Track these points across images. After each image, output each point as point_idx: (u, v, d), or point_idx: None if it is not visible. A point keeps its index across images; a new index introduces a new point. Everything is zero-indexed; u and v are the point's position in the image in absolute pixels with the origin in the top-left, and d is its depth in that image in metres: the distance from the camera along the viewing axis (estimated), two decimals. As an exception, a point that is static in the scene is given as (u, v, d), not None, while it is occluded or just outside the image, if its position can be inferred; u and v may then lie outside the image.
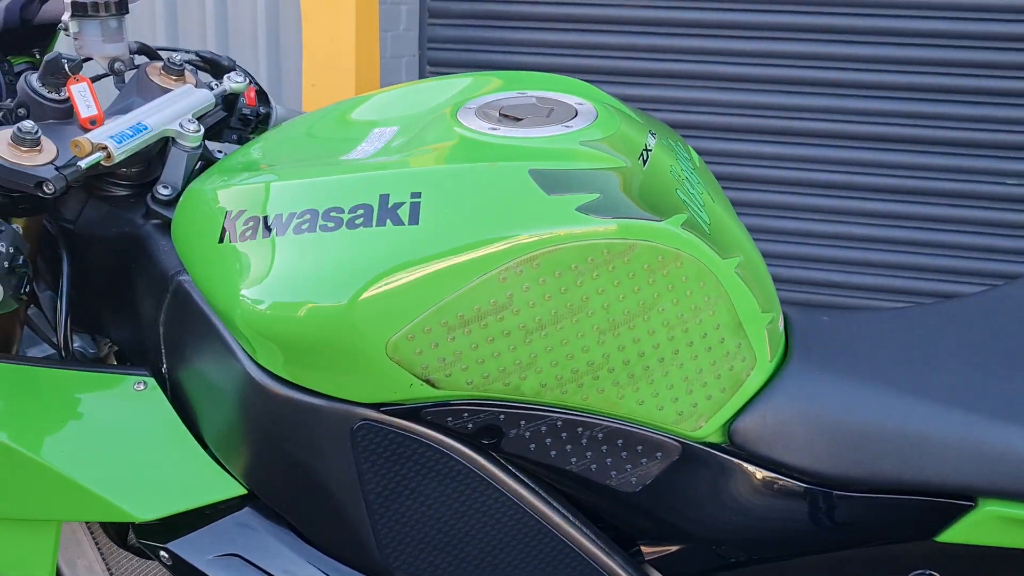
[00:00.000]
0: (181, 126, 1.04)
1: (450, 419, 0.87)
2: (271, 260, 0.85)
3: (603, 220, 0.83)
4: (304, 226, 0.84)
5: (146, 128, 0.98)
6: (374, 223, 0.83)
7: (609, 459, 0.90)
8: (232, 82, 1.19)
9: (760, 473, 0.92)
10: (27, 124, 0.92)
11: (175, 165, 1.02)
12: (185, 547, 0.93)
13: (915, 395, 0.91)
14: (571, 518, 0.93)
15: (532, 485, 0.92)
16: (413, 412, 0.87)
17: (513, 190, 0.84)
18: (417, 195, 0.83)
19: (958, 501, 0.90)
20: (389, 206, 0.83)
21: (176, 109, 1.04)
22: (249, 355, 0.89)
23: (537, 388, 0.85)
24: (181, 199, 0.99)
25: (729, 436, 0.91)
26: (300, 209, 0.86)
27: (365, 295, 0.81)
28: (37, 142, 0.92)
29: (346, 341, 0.82)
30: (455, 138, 0.92)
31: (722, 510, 0.93)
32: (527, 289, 0.82)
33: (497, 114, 0.96)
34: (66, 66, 0.99)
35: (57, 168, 0.92)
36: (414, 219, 0.82)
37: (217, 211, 0.91)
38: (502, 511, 0.91)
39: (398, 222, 0.82)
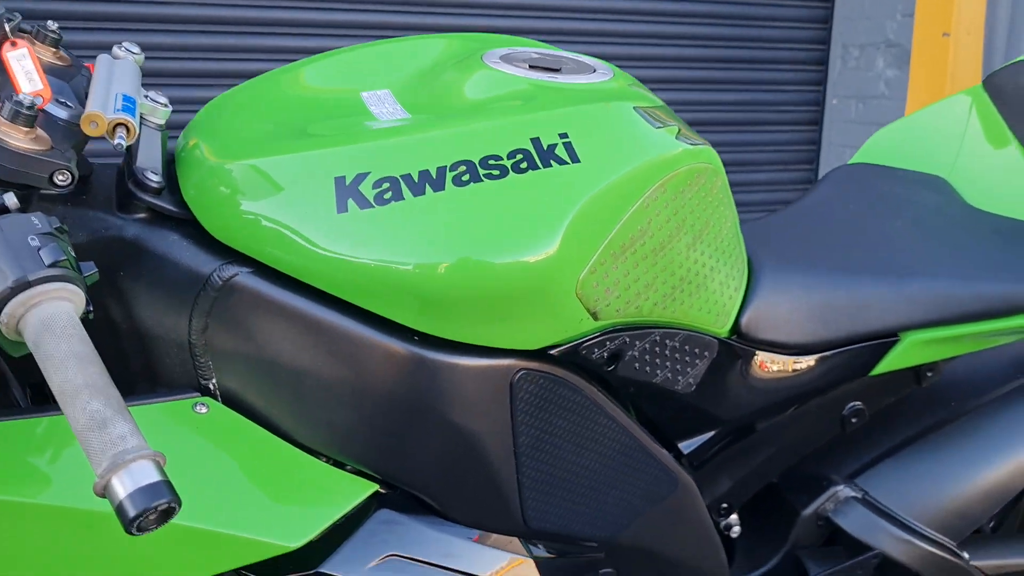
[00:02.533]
0: (150, 99, 0.87)
1: (596, 351, 0.91)
2: (439, 218, 0.80)
3: (695, 144, 0.93)
4: (464, 178, 0.81)
5: (134, 101, 0.80)
6: (540, 165, 0.83)
7: (679, 365, 0.99)
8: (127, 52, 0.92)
9: (760, 354, 1.08)
10: (25, 97, 0.73)
11: (150, 146, 0.86)
12: (340, 565, 0.85)
13: (852, 267, 1.14)
14: (645, 433, 1.01)
15: (628, 409, 1.03)
16: (569, 352, 0.90)
17: (632, 124, 0.89)
18: (565, 135, 0.85)
19: (887, 339, 1.13)
20: (545, 148, 0.83)
21: (122, 83, 0.83)
22: (387, 329, 0.82)
23: (651, 307, 0.92)
24: (197, 180, 0.85)
25: (737, 328, 1.04)
26: (450, 162, 0.81)
27: (563, 234, 0.81)
28: (35, 118, 0.73)
29: (544, 284, 0.82)
30: (527, 84, 0.92)
31: (740, 391, 1.08)
32: (659, 213, 0.88)
33: (527, 66, 0.96)
34: (5, 25, 0.82)
35: (64, 152, 0.74)
36: (574, 157, 0.84)
37: (307, 180, 0.80)
38: (616, 444, 0.97)
39: (562, 162, 0.84)
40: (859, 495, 1.27)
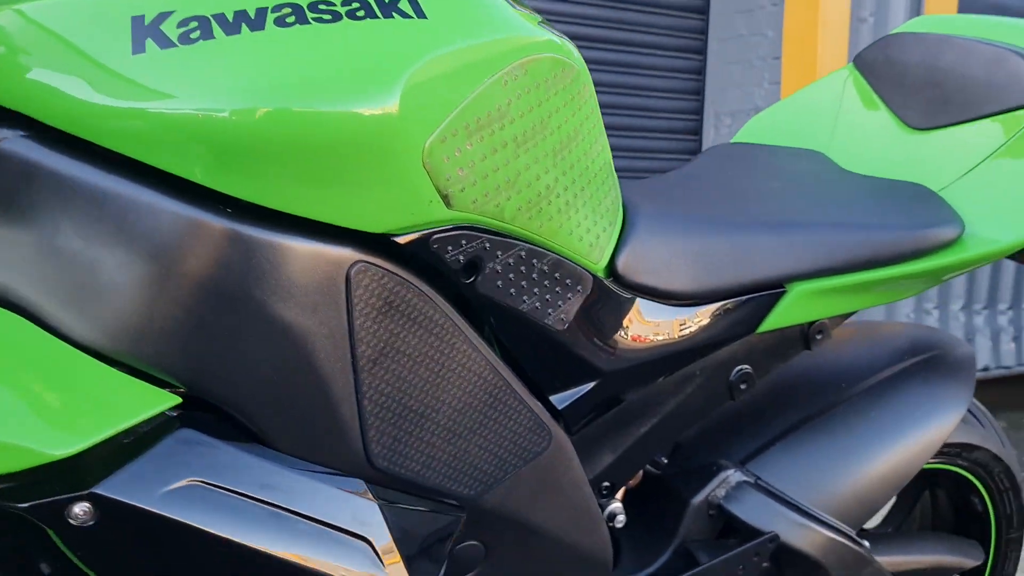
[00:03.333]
0: None
1: (450, 250, 0.78)
2: (256, 59, 0.68)
3: (558, 36, 0.84)
4: (289, 19, 0.70)
5: None
6: (379, 14, 0.72)
7: (549, 295, 0.88)
8: None
9: (639, 301, 0.98)
10: None
11: None
12: (124, 487, 0.67)
13: (733, 217, 1.08)
14: (513, 374, 0.89)
15: (493, 346, 0.89)
16: (418, 244, 0.77)
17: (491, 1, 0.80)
18: None
19: (773, 291, 1.06)
20: (387, 0, 0.74)
21: None
22: (191, 196, 0.69)
23: (514, 212, 0.81)
24: None
25: (613, 269, 0.95)
26: (273, 3, 0.70)
27: (403, 88, 0.70)
28: None
29: (382, 141, 0.70)
30: None
31: (617, 339, 0.97)
32: (519, 97, 0.79)
33: None
34: None
35: None
36: (420, 13, 0.74)
37: (96, 23, 0.67)
38: (477, 378, 0.85)
39: (405, 15, 0.73)
40: (751, 480, 1.17)
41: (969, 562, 1.41)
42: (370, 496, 0.77)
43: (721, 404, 1.12)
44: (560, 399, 0.96)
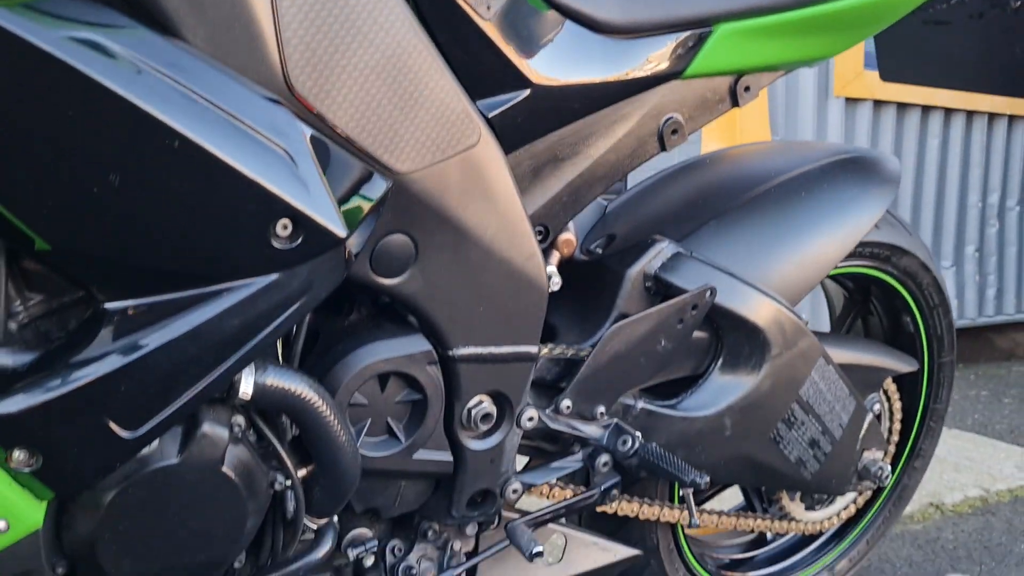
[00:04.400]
0: None
1: None
2: None
3: None
4: None
5: None
6: None
7: None
8: None
9: (567, 23, 0.98)
10: None
11: None
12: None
13: None
14: (442, 60, 0.86)
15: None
16: None
17: None
18: None
19: (701, 29, 1.05)
20: None
21: None
22: None
23: None
24: None
25: None
26: None
27: None
28: None
29: None
30: None
31: (547, 52, 0.96)
32: None
33: None
34: None
35: None
36: None
37: None
38: (396, 31, 0.81)
39: None
40: (687, 253, 1.15)
41: (904, 367, 1.41)
42: (293, 115, 0.73)
43: (652, 154, 1.10)
44: (489, 105, 0.94)
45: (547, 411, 1.05)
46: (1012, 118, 3.60)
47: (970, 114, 3.49)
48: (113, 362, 0.70)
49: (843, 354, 1.32)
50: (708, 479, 1.07)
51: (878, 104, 3.25)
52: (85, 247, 0.70)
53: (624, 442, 1.08)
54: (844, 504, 1.46)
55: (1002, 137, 3.59)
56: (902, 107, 3.31)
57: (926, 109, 3.36)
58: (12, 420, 0.68)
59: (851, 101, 3.17)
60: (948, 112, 3.42)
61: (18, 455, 0.69)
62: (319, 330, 0.96)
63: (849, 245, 1.25)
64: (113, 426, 0.70)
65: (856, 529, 1.53)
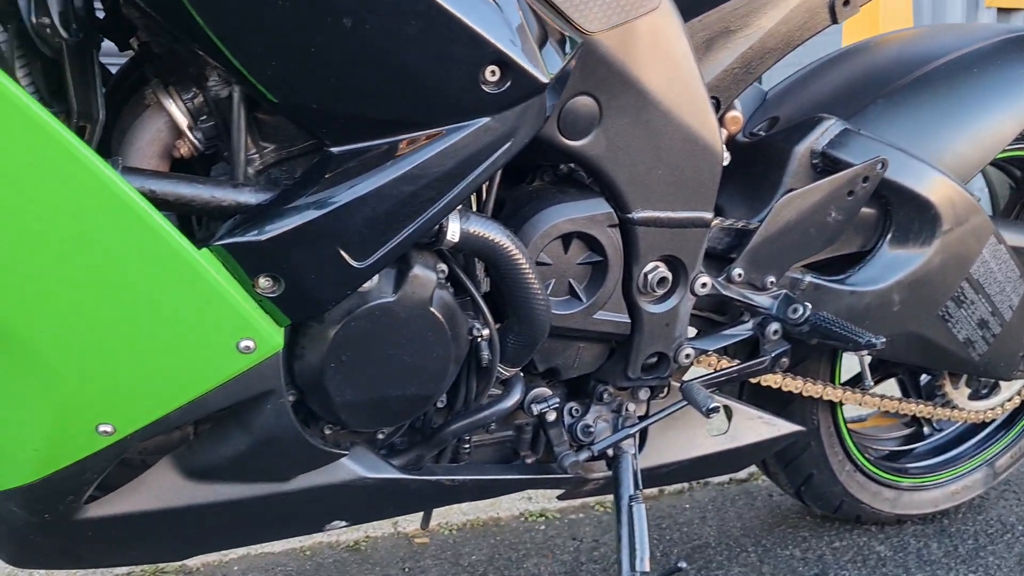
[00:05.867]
0: None
1: None
2: None
3: None
4: None
5: None
6: None
7: None
8: None
9: None
10: None
11: None
12: None
13: None
14: None
15: None
16: None
17: None
18: None
19: None
20: None
21: None
22: None
23: None
24: None
25: None
26: None
27: None
28: None
29: None
30: None
31: None
32: None
33: None
34: None
35: None
36: None
37: None
38: None
39: None
40: (855, 129, 1.15)
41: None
42: None
43: (822, 26, 1.11)
44: None
45: (719, 279, 1.08)
46: None
47: None
48: (342, 198, 0.77)
49: (1014, 237, 1.30)
50: (884, 340, 1.08)
51: (1032, 14, 3.08)
52: (309, 99, 0.76)
53: (795, 310, 1.10)
54: (1009, 395, 1.44)
55: None
56: (1058, 18, 3.13)
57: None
58: (259, 247, 0.76)
59: (1003, 12, 3.03)
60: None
61: (263, 281, 0.77)
62: (505, 197, 1.01)
63: (1022, 123, 1.23)
64: (344, 255, 0.78)
65: (1020, 423, 1.51)
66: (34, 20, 0.75)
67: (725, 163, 1.07)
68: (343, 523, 1.01)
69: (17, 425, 0.80)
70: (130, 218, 0.71)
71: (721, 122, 1.11)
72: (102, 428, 0.79)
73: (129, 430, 0.80)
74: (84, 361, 0.76)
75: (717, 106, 1.08)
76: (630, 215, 0.98)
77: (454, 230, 0.85)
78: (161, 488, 0.90)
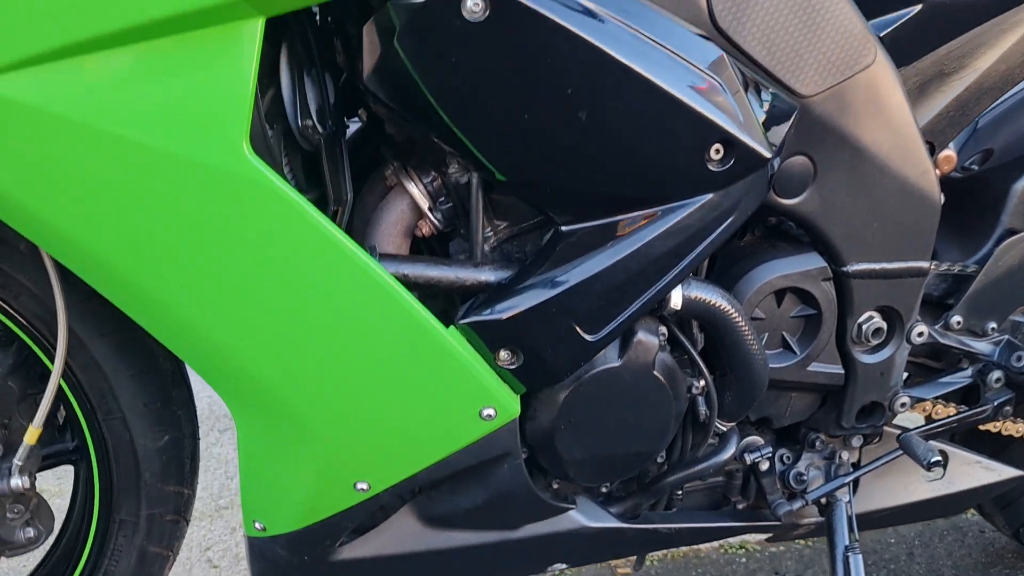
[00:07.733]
0: None
1: None
2: None
3: None
4: None
5: None
6: None
7: None
8: None
9: None
10: None
11: None
12: None
13: None
14: None
15: None
16: None
17: None
18: None
19: None
20: None
21: None
22: None
23: None
24: None
25: None
26: None
27: None
28: None
29: None
30: None
31: None
32: None
33: None
34: None
35: None
36: None
37: None
38: None
39: None
40: None
41: None
42: (720, 49, 0.81)
43: None
44: (880, 24, 0.96)
45: (936, 327, 1.06)
46: None
47: None
48: (576, 276, 0.82)
49: None
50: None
51: None
52: (539, 177, 0.81)
53: (1019, 358, 1.06)
54: None
55: None
56: None
57: None
58: (501, 325, 0.81)
59: None
60: None
61: (504, 355, 0.83)
62: (716, 252, 1.03)
63: None
64: (578, 329, 0.82)
65: None
66: (300, 123, 0.83)
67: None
68: (563, 565, 1.07)
69: (286, 481, 0.89)
70: (387, 302, 0.79)
71: (934, 164, 1.09)
72: (359, 485, 0.87)
73: (382, 487, 0.88)
74: (345, 426, 0.85)
75: (932, 150, 1.06)
76: (845, 268, 0.99)
77: (677, 298, 0.88)
78: (403, 534, 0.98)
